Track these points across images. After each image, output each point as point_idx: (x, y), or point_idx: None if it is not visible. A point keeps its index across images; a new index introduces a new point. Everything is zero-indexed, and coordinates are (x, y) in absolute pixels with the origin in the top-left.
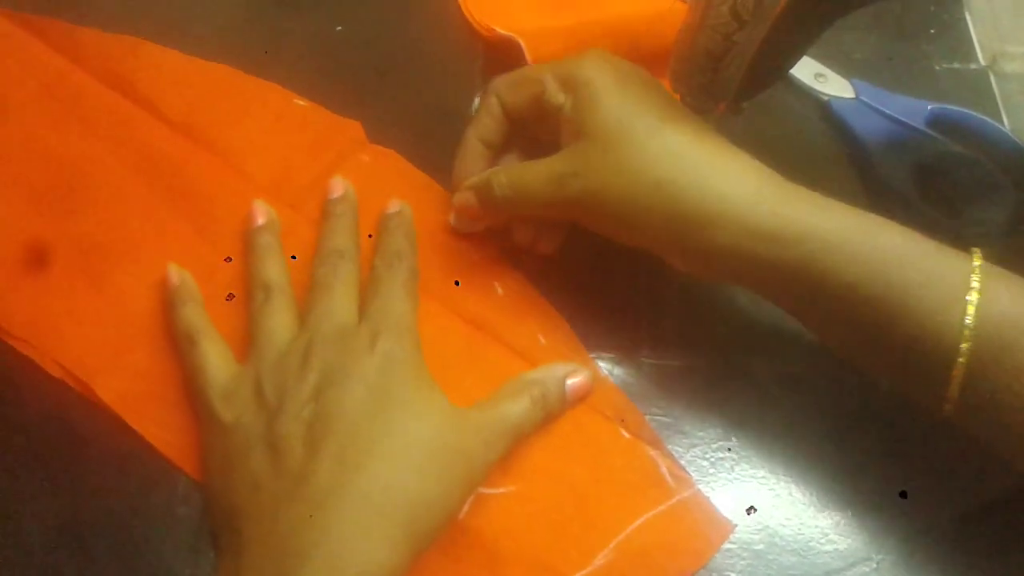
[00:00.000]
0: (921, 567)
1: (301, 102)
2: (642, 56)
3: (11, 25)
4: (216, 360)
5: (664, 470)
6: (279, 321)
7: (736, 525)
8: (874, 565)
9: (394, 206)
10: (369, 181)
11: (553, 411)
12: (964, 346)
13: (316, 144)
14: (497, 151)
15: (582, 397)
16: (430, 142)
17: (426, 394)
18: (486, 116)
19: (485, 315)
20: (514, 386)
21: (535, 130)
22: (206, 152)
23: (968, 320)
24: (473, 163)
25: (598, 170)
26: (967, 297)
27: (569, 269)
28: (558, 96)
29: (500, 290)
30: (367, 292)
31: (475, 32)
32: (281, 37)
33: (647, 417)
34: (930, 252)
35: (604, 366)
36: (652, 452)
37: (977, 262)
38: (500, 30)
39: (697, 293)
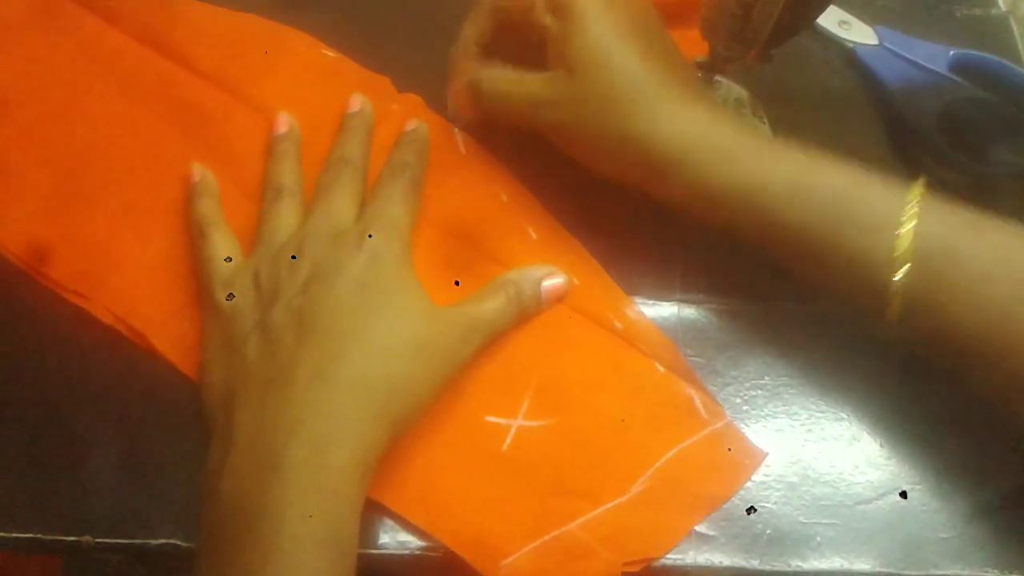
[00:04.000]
0: (949, 497)
1: (330, 53)
2: (673, 6)
3: None
4: (223, 251)
5: (698, 402)
6: (284, 220)
7: (768, 454)
8: (905, 495)
9: (411, 124)
10: (400, 128)
11: (528, 309)
12: (901, 268)
13: (345, 96)
14: (487, 49)
15: (558, 298)
16: None
17: (407, 290)
18: (478, 16)
19: (518, 259)
20: (491, 286)
21: (525, 37)
22: (240, 104)
23: (905, 243)
24: (464, 59)
25: (573, 105)
26: (903, 219)
27: (602, 215)
28: (545, 16)
29: (534, 234)
30: (368, 198)
31: None
32: None
33: None
34: (871, 189)
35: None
36: (686, 385)
37: (918, 191)
38: None
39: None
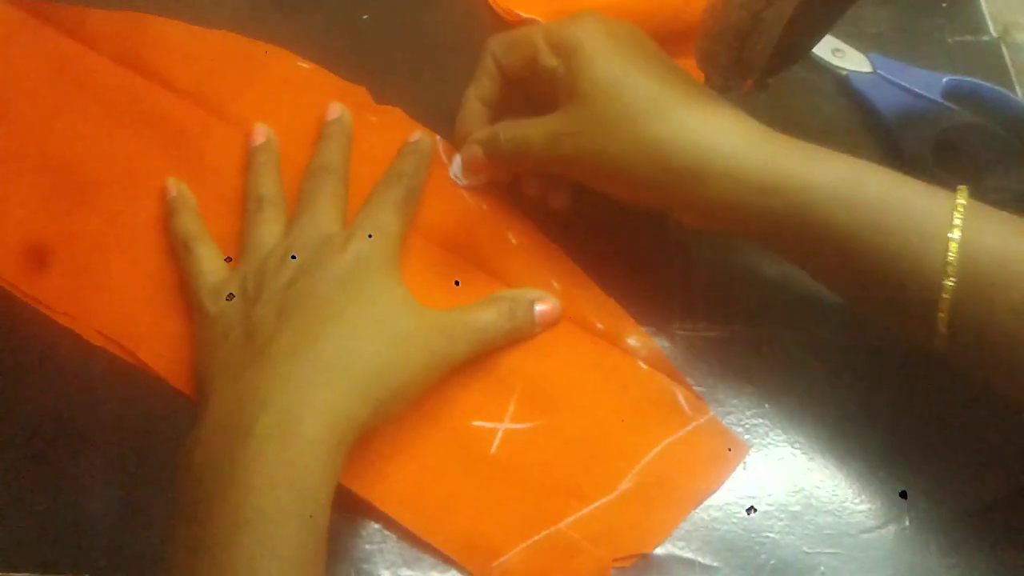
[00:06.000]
0: (950, 525)
1: (305, 64)
2: (666, 36)
3: (18, 11)
4: (208, 264)
5: (681, 398)
6: (268, 230)
7: (752, 446)
8: (906, 523)
9: (415, 136)
10: (379, 138)
11: (520, 326)
12: (948, 283)
13: (322, 106)
14: (495, 109)
15: (550, 322)
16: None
17: (391, 288)
18: (483, 76)
19: (499, 263)
20: (485, 299)
21: (531, 89)
22: (218, 119)
23: (951, 257)
24: (473, 121)
25: (590, 130)
26: (949, 235)
27: (599, 246)
28: (551, 59)
29: (513, 240)
30: (358, 205)
31: (498, 17)
32: (307, 26)
33: None
34: (917, 194)
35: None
36: (669, 381)
37: (961, 200)
38: (522, 14)
39: (726, 265)
